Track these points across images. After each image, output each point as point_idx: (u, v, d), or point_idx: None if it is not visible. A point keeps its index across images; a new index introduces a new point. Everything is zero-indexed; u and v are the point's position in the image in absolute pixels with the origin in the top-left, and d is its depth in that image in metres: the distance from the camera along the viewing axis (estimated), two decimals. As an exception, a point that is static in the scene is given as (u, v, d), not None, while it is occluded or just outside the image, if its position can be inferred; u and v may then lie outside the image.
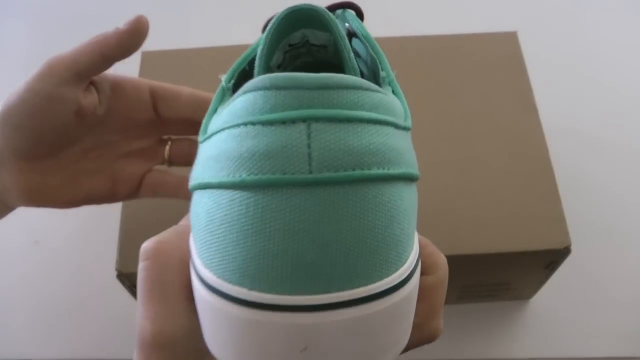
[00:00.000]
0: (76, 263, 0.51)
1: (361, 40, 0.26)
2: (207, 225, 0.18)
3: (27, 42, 0.66)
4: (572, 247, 0.39)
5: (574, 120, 0.58)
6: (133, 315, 0.51)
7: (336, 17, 0.29)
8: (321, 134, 0.16)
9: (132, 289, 0.41)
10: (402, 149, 0.18)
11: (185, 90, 0.36)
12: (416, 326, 0.20)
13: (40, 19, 0.69)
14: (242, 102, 0.17)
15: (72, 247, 0.52)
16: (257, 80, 0.17)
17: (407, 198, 0.18)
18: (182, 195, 0.36)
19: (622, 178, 0.55)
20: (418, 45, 0.48)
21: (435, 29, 0.51)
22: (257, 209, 0.16)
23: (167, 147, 0.37)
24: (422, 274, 0.20)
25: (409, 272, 0.18)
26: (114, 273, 0.39)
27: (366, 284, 0.17)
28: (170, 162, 0.37)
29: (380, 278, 0.17)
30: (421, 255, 0.20)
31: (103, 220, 0.48)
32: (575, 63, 0.62)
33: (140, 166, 0.36)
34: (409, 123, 0.21)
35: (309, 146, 0.16)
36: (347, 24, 0.28)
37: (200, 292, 0.18)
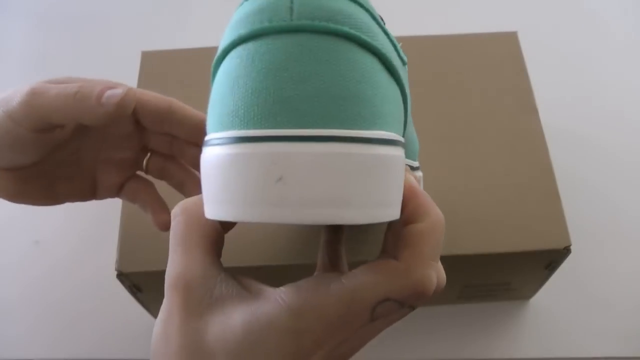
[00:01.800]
0: (76, 263, 0.51)
1: None
2: (213, 92, 0.20)
3: (27, 42, 0.66)
4: (572, 247, 0.39)
5: (574, 121, 0.58)
6: (133, 315, 0.51)
7: None
8: None
9: (132, 288, 0.41)
10: (381, 38, 0.20)
11: (171, 105, 0.33)
12: (401, 271, 0.21)
13: (40, 18, 0.69)
14: None
15: (72, 247, 0.52)
16: None
17: (384, 79, 0.20)
18: (152, 214, 0.35)
19: (622, 178, 0.55)
20: (418, 45, 0.48)
21: (435, 29, 0.51)
22: (248, 56, 0.19)
23: (146, 160, 0.36)
24: (410, 222, 0.22)
25: (382, 139, 0.19)
26: (114, 273, 0.39)
27: (336, 127, 0.18)
28: (147, 172, 0.37)
29: (350, 126, 0.18)
30: (412, 202, 0.22)
31: (103, 220, 0.48)
32: (575, 63, 0.62)
33: (120, 174, 0.35)
34: (404, 61, 0.24)
35: (291, 1, 0.19)
36: None
37: (202, 156, 0.20)
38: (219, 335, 0.21)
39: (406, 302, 0.21)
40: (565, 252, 0.40)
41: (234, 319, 0.21)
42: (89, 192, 0.35)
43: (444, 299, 0.48)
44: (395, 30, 0.48)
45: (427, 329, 0.49)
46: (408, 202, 0.22)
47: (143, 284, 0.40)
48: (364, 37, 0.19)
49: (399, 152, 0.21)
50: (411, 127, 0.32)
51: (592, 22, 0.66)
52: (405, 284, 0.21)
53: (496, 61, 0.48)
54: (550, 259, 0.41)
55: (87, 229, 0.52)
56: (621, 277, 0.51)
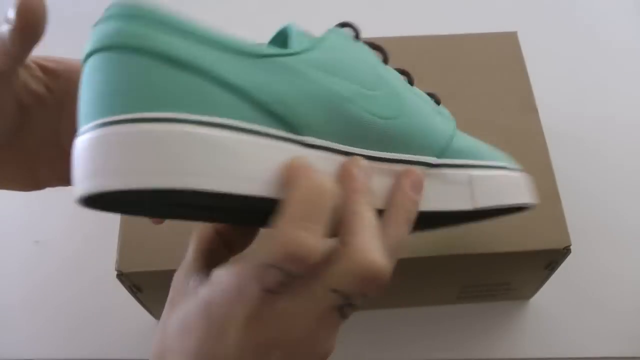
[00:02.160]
0: (76, 263, 0.51)
1: None
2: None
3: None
4: (572, 247, 0.39)
5: (574, 121, 0.58)
6: (133, 315, 0.51)
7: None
8: None
9: (132, 288, 0.41)
10: (160, 38, 0.24)
11: None
12: (270, 235, 0.22)
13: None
14: None
15: (72, 247, 0.52)
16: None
17: (161, 73, 0.23)
18: None
19: (622, 178, 0.55)
20: (418, 45, 0.48)
21: (435, 29, 0.51)
22: (89, 68, 0.25)
23: None
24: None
25: (150, 118, 0.23)
26: (114, 273, 0.39)
27: (102, 116, 0.23)
28: None
29: (114, 113, 0.23)
30: (290, 179, 0.23)
31: (103, 220, 0.48)
32: (575, 63, 0.62)
33: None
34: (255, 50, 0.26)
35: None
36: None
37: None
38: (173, 321, 0.25)
39: (286, 268, 0.22)
40: (565, 252, 0.40)
41: (186, 306, 0.24)
42: (71, 176, 0.35)
43: (443, 299, 0.48)
44: (395, 31, 0.48)
45: (427, 329, 0.49)
46: (289, 181, 0.23)
47: (143, 284, 0.40)
48: (132, 43, 0.23)
49: (185, 128, 0.23)
50: (417, 119, 0.31)
51: (592, 23, 0.66)
52: (274, 247, 0.21)
53: (496, 61, 0.48)
54: (550, 259, 0.41)
55: (87, 229, 0.52)
56: (621, 277, 0.51)
